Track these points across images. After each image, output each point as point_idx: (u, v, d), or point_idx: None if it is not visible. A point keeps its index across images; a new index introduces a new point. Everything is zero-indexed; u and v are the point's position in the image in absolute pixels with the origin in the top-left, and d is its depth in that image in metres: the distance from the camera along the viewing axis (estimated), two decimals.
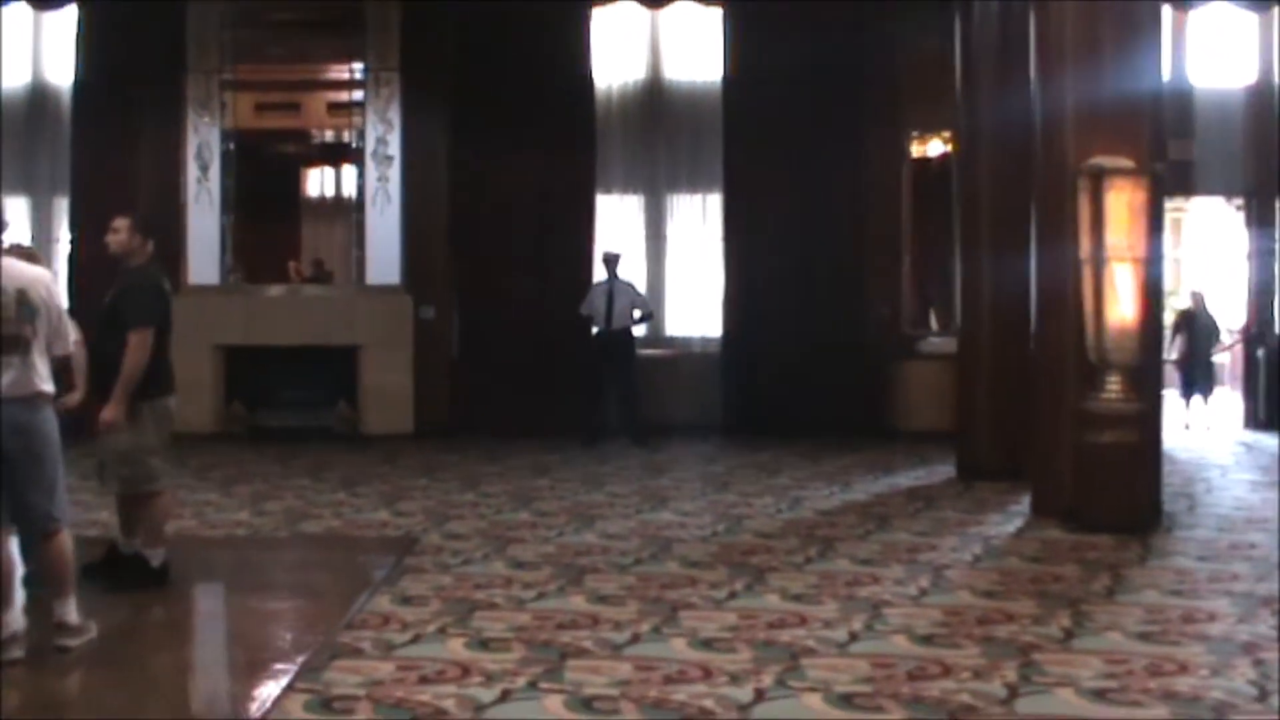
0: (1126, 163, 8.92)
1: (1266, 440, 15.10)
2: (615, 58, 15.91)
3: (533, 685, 5.53)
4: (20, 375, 5.89)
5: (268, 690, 5.52)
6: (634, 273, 15.35)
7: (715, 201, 15.90)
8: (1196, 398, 16.87)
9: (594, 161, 15.71)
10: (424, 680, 5.60)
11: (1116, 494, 9.05)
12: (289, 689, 5.50)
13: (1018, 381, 10.58)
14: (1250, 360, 17.05)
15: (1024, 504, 9.96)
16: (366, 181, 15.45)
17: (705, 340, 15.98)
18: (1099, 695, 5.39)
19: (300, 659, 5.95)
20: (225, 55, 15.35)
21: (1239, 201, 17.32)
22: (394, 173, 15.38)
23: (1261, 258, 16.67)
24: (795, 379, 15.04)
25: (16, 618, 6.01)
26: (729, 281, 15.69)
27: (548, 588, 7.42)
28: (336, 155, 16.10)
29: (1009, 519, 9.73)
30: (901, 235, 15.74)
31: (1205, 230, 22.01)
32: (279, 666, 5.86)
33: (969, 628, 6.50)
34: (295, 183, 16.60)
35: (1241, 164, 16.56)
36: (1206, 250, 21.62)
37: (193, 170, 15.31)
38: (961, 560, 8.29)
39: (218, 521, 9.78)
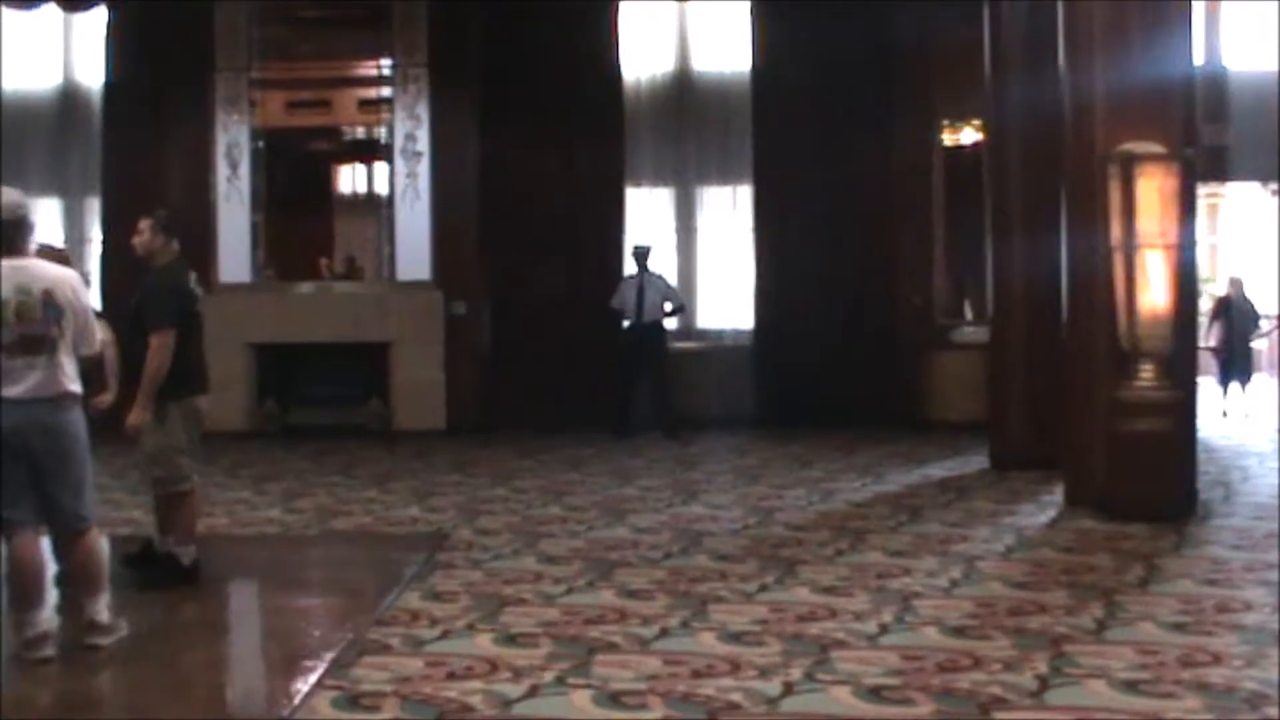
0: (1157, 148, 8.83)
1: None
2: (643, 50, 15.87)
3: (560, 681, 5.51)
4: (47, 375, 5.91)
5: (296, 687, 5.51)
6: (664, 265, 15.31)
7: (745, 193, 15.84)
8: (1234, 385, 16.71)
9: (623, 154, 15.69)
10: (451, 676, 5.59)
11: (1150, 483, 8.97)
12: (317, 686, 5.51)
13: (1050, 370, 10.49)
14: None
15: (1057, 494, 9.89)
16: (396, 178, 15.47)
17: (737, 333, 15.94)
18: (1131, 687, 5.34)
19: (329, 656, 5.95)
20: (253, 54, 15.40)
21: (1275, 186, 17.16)
22: (423, 169, 15.40)
23: None
24: (827, 371, 14.98)
25: (48, 617, 6.06)
26: (760, 273, 15.65)
27: (577, 582, 7.41)
28: (366, 152, 16.13)
29: (1042, 509, 9.66)
30: (933, 224, 15.64)
31: (1242, 216, 21.82)
32: (308, 663, 5.85)
33: (1000, 619, 6.45)
34: (326, 180, 16.66)
35: (1278, 149, 16.37)
36: (1244, 236, 21.43)
37: (222, 168, 15.36)
38: (994, 551, 8.23)
39: (249, 519, 9.82)
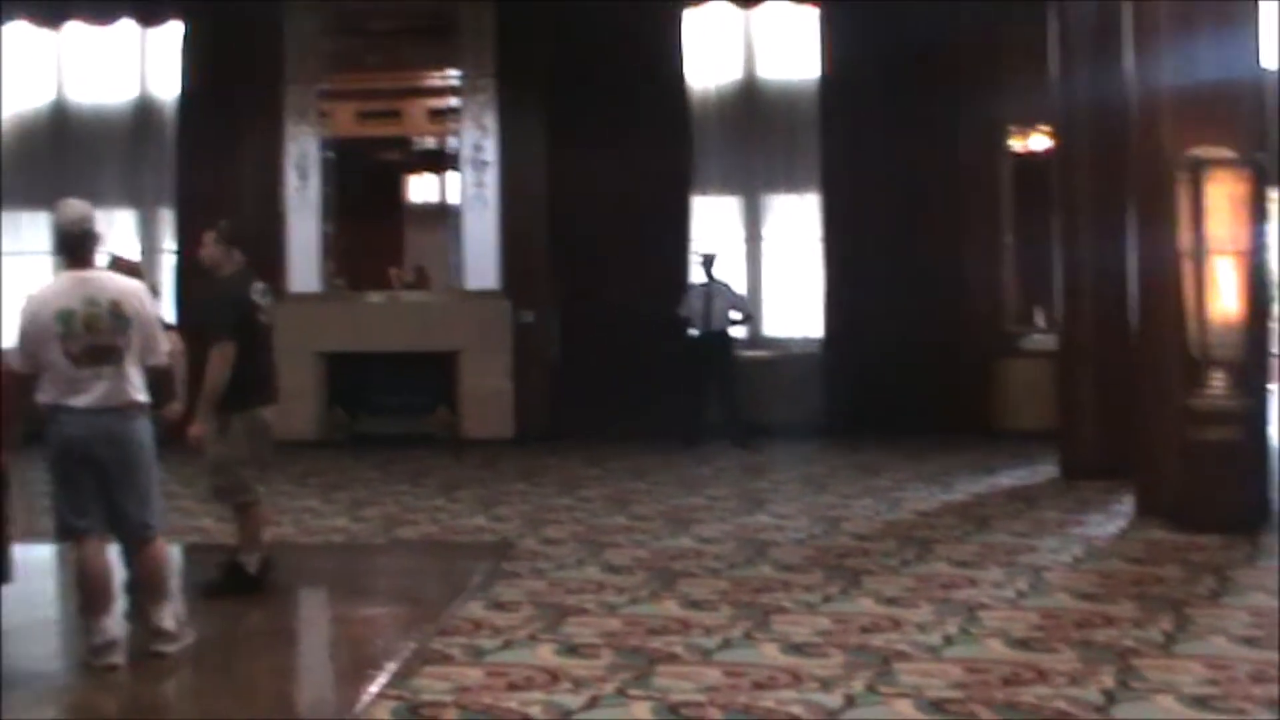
0: (1226, 153, 8.70)
1: None
2: (710, 58, 15.85)
3: (620, 692, 5.51)
4: (115, 386, 5.99)
5: (358, 696, 5.55)
6: (731, 273, 15.28)
7: (812, 200, 15.76)
8: None
9: (690, 162, 15.68)
10: (512, 687, 5.60)
11: (1222, 492, 8.84)
12: (379, 695, 5.54)
13: (1120, 378, 10.35)
14: None
15: (1127, 503, 9.78)
16: (464, 187, 15.54)
17: (805, 341, 15.85)
18: (1200, 702, 5.26)
19: (391, 665, 5.98)
20: (323, 64, 15.53)
21: None
22: (490, 178, 15.46)
23: None
24: (896, 379, 14.86)
25: (115, 624, 6.13)
26: (828, 281, 15.57)
27: (640, 593, 7.41)
28: (435, 161, 16.20)
29: (1112, 519, 9.55)
30: (1002, 230, 15.50)
31: None
32: (370, 672, 5.89)
33: (1066, 631, 6.38)
34: (395, 189, 16.74)
35: None
36: None
37: (292, 179, 15.50)
38: (1061, 562, 8.15)
39: (316, 528, 9.89)
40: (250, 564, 7.49)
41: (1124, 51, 9.68)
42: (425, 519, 10.21)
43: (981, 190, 15.43)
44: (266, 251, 14.21)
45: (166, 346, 6.40)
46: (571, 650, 6.18)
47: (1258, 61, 9.28)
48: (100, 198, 15.21)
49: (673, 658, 6.03)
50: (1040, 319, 15.42)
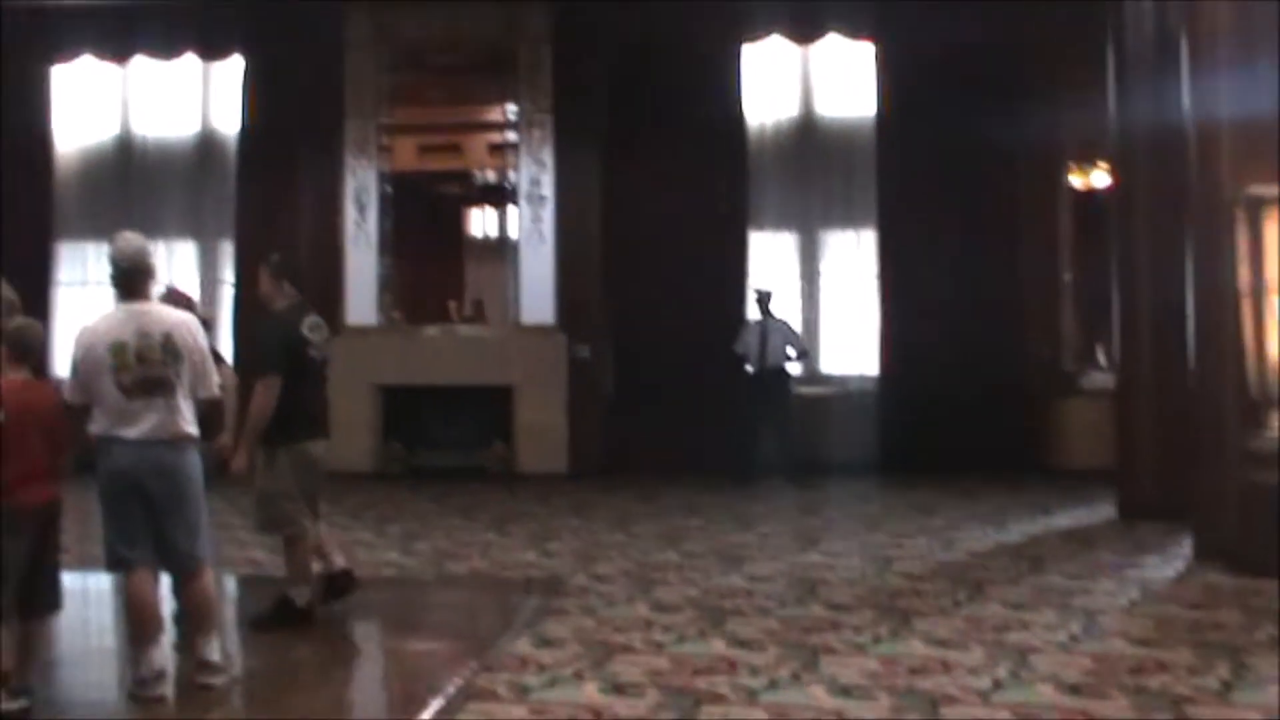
0: None
1: None
2: (767, 93, 15.84)
3: None
4: (165, 418, 6.03)
5: None
6: (787, 310, 15.23)
7: (869, 237, 15.71)
8: None
9: (747, 198, 15.67)
10: None
11: None
12: None
13: (1179, 418, 10.20)
14: None
15: (1186, 546, 9.62)
16: (521, 221, 15.60)
17: (862, 378, 15.76)
18: None
19: (436, 701, 5.97)
20: (382, 99, 15.66)
21: None
22: (547, 213, 15.51)
23: None
24: (953, 417, 14.73)
25: (163, 655, 6.15)
26: (884, 318, 15.50)
27: (688, 631, 7.36)
28: (492, 196, 16.28)
29: (1169, 561, 9.40)
30: (1060, 268, 15.39)
31: None
32: (414, 708, 5.88)
33: (1120, 677, 6.27)
34: (454, 223, 16.84)
35: None
36: None
37: (351, 213, 15.62)
38: (1117, 605, 8.02)
39: (367, 561, 9.88)
40: (299, 597, 7.49)
41: (1182, 85, 9.59)
42: (476, 553, 10.20)
43: (1039, 226, 15.33)
44: (325, 284, 14.37)
45: (217, 379, 6.43)
46: (616, 689, 6.14)
47: None
48: (162, 230, 15.54)
49: (718, 698, 5.99)
50: (1101, 357, 15.27)
